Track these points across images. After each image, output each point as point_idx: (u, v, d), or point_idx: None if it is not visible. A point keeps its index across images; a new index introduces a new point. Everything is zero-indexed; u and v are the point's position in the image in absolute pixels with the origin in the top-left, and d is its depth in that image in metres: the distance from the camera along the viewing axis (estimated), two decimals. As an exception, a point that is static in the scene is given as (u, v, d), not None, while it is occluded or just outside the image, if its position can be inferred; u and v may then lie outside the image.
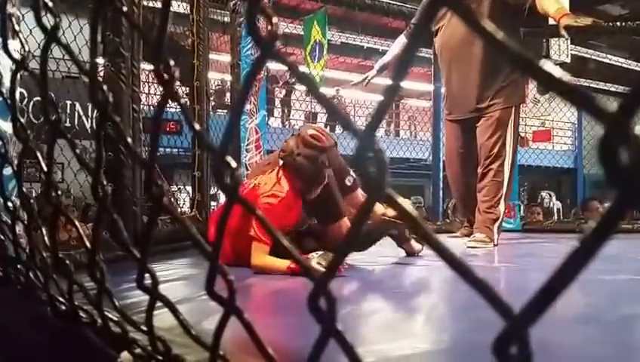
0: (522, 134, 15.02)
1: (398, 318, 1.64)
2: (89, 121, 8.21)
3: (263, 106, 5.35)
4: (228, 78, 6.46)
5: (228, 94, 11.25)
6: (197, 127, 0.49)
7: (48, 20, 0.68)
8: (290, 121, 16.00)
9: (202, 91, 4.77)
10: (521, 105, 4.10)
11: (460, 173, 4.27)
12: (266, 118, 5.58)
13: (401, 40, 4.60)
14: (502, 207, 3.96)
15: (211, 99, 5.79)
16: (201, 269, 2.73)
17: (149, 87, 8.70)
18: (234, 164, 0.46)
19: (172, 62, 0.49)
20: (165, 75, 0.49)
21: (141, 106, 3.95)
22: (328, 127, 16.58)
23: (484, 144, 3.97)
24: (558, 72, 0.29)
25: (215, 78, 11.21)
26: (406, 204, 0.35)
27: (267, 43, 0.40)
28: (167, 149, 8.34)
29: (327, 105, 0.38)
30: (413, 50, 0.33)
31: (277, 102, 15.39)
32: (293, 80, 13.86)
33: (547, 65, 0.30)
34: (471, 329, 1.42)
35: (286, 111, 15.95)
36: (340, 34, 14.72)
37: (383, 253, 3.09)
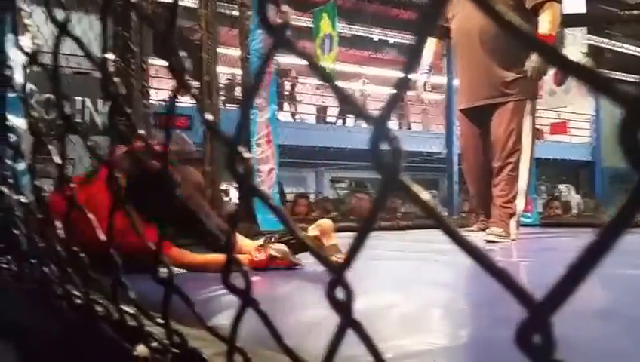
0: (538, 127, 14.86)
1: (414, 313, 1.63)
2: (99, 116, 8.24)
3: (274, 100, 5.33)
4: (237, 72, 6.47)
5: (238, 88, 11.25)
6: (210, 117, 0.49)
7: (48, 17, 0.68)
8: (301, 116, 16.00)
9: (212, 85, 4.77)
10: (536, 100, 4.05)
11: (476, 166, 4.19)
12: (277, 112, 5.56)
13: (431, 43, 4.50)
14: (520, 202, 3.89)
15: (221, 93, 5.80)
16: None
17: (159, 81, 8.72)
18: (247, 155, 0.46)
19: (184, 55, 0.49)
20: (177, 68, 0.49)
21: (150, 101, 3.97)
22: (340, 120, 16.59)
23: (498, 137, 3.90)
24: (576, 56, 0.29)
25: (224, 72, 11.22)
26: (424, 194, 0.34)
27: (279, 31, 0.39)
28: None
29: (340, 95, 0.37)
30: (422, 38, 0.32)
31: (286, 96, 15.38)
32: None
33: (566, 50, 0.29)
34: (488, 325, 1.42)
35: (293, 104, 15.92)
36: (350, 26, 14.66)
37: (396, 248, 3.08)
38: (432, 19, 0.31)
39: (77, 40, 0.62)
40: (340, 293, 0.43)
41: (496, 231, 3.75)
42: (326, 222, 2.67)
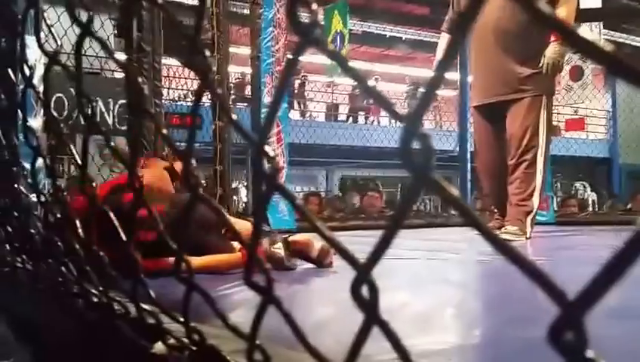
0: (554, 123, 14.73)
1: (428, 312, 1.63)
2: (110, 117, 8.28)
3: (284, 98, 5.34)
4: (247, 70, 6.48)
5: (248, 87, 11.28)
6: (235, 117, 0.49)
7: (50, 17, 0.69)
8: (310, 114, 16.00)
9: (223, 84, 4.78)
10: (553, 96, 4.01)
11: (490, 164, 4.13)
12: (288, 111, 5.58)
13: (445, 40, 4.38)
14: (535, 200, 3.83)
15: (231, 92, 5.81)
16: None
17: (170, 81, 8.74)
18: (272, 153, 0.47)
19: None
20: (201, 67, 0.49)
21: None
22: (350, 119, 16.58)
23: (514, 133, 3.85)
24: (596, 39, 0.29)
25: (235, 71, 11.24)
26: (455, 192, 0.35)
27: (307, 29, 0.39)
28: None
29: (373, 94, 0.38)
30: (460, 37, 0.32)
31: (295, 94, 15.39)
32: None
33: (585, 33, 0.29)
34: (502, 324, 1.42)
35: (302, 103, 15.92)
36: (362, 23, 14.61)
37: (409, 247, 3.07)
38: (470, 18, 0.31)
39: (100, 41, 0.63)
40: (364, 291, 0.43)
41: (512, 230, 3.72)
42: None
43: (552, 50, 3.70)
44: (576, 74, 14.43)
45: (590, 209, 10.61)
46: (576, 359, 0.31)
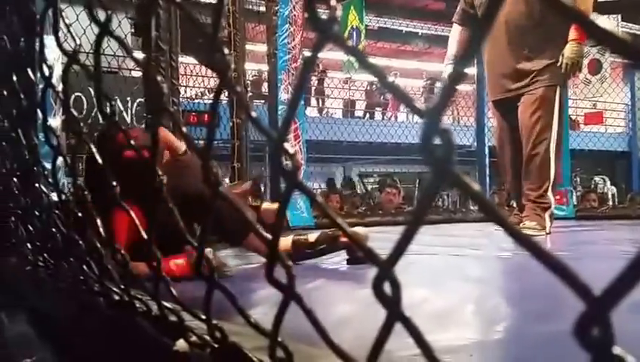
0: (573, 117, 14.60)
1: (448, 308, 1.62)
2: (129, 115, 8.34)
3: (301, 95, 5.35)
4: (264, 68, 6.50)
5: (265, 84, 11.30)
6: (253, 114, 0.49)
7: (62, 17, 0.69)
8: (327, 110, 15.98)
9: (240, 82, 4.79)
10: (566, 87, 3.96)
11: (510, 159, 4.07)
12: (304, 108, 5.58)
13: (457, 31, 4.34)
14: (551, 195, 3.79)
15: (248, 89, 5.83)
16: (243, 259, 2.75)
17: (187, 79, 8.78)
18: (292, 150, 0.46)
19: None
20: (221, 66, 0.49)
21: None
22: (367, 115, 16.54)
23: (525, 124, 3.81)
24: (611, 26, 0.28)
25: (251, 68, 11.26)
26: (477, 187, 0.34)
27: (326, 26, 0.39)
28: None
29: (394, 90, 0.37)
30: (482, 34, 0.32)
31: (313, 91, 15.37)
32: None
33: (600, 20, 0.28)
34: (523, 320, 1.41)
35: (320, 99, 15.91)
36: (378, 18, 14.55)
37: (427, 243, 3.06)
38: (492, 17, 0.30)
39: (119, 40, 0.63)
40: (387, 288, 0.43)
41: (531, 225, 3.68)
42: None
43: (570, 49, 3.65)
44: (595, 67, 14.29)
45: (610, 203, 10.50)
46: (602, 355, 0.31)
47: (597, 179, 15.02)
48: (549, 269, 0.31)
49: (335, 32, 0.39)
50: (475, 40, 0.31)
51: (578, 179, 13.91)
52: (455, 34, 4.34)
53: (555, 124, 3.78)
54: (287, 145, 0.46)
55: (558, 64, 3.69)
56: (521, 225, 3.74)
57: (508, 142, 4.09)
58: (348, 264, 2.52)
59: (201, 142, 0.65)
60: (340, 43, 0.39)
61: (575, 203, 6.71)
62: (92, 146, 0.81)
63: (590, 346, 0.31)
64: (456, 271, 2.45)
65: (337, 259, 2.63)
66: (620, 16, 10.17)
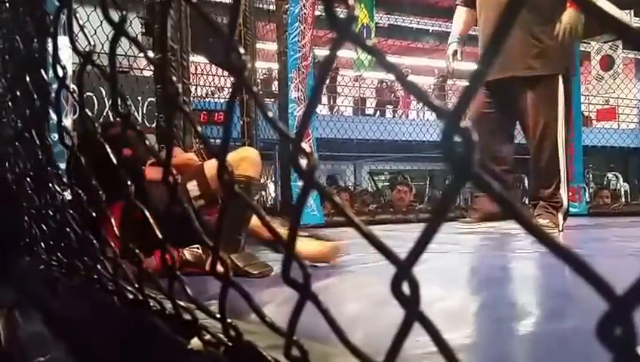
0: (585, 113, 14.48)
1: (459, 307, 1.62)
2: (140, 114, 8.38)
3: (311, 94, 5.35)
4: (274, 66, 6.50)
5: (275, 82, 11.30)
6: (270, 114, 0.49)
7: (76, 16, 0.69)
8: (338, 108, 15.96)
9: (250, 80, 4.80)
10: (571, 81, 3.84)
11: (486, 139, 3.72)
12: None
13: (461, 12, 4.22)
14: (564, 193, 3.70)
15: (259, 88, 5.84)
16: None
17: (197, 78, 8.78)
18: (309, 150, 0.46)
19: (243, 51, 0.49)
20: (237, 65, 0.49)
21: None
22: (378, 113, 16.51)
23: (528, 117, 3.70)
24: (615, 10, 0.28)
25: (261, 66, 11.27)
26: (496, 185, 0.34)
27: (344, 25, 0.39)
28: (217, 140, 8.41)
29: (411, 88, 0.37)
30: (504, 31, 0.31)
31: (324, 89, 15.32)
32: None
33: (602, 3, 0.28)
34: (535, 319, 1.40)
35: (332, 97, 15.89)
36: (388, 16, 14.53)
37: (439, 241, 3.04)
38: (515, 12, 0.30)
39: (134, 40, 0.63)
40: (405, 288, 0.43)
41: (544, 223, 3.61)
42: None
43: (567, 15, 3.51)
44: (607, 63, 14.20)
45: (623, 200, 10.42)
46: (625, 355, 0.31)
47: (610, 175, 14.92)
48: (572, 269, 0.31)
49: (352, 31, 0.39)
50: (500, 38, 0.31)
51: (590, 176, 13.81)
52: (460, 14, 4.23)
53: (560, 117, 3.65)
54: (304, 145, 0.46)
55: (556, 32, 3.58)
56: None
57: (484, 120, 3.81)
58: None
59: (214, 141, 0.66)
60: (359, 42, 0.39)
61: (588, 200, 6.67)
62: (106, 146, 0.81)
63: (613, 346, 0.31)
64: (467, 269, 2.45)
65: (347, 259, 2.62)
66: (632, 11, 10.09)
